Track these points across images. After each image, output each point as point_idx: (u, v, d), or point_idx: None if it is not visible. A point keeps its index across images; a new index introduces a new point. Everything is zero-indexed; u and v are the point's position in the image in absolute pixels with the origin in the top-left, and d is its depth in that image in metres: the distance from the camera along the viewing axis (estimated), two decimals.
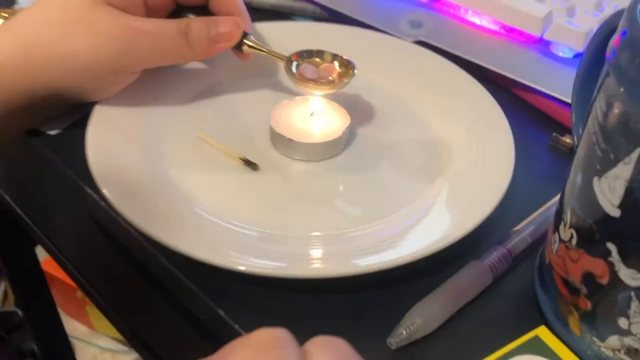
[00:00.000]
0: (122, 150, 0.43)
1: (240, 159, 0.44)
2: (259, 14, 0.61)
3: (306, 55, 0.47)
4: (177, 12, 0.48)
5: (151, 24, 0.44)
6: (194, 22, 0.45)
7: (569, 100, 0.50)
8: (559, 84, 0.52)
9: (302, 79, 0.46)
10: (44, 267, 0.85)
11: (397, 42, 0.55)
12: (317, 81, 0.45)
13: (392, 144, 0.47)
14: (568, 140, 0.50)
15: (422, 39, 0.56)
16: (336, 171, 0.45)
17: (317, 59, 0.47)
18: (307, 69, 0.46)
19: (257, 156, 0.45)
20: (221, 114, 0.49)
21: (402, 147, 0.47)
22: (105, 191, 0.39)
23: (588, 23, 0.54)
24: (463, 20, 0.58)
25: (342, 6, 0.60)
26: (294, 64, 0.47)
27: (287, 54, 0.47)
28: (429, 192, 0.43)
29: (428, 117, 0.49)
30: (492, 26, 0.57)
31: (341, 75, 0.46)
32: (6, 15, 0.52)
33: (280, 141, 0.45)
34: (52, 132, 0.46)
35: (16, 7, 0.56)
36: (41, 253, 0.82)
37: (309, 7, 0.61)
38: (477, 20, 0.58)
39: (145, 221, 0.38)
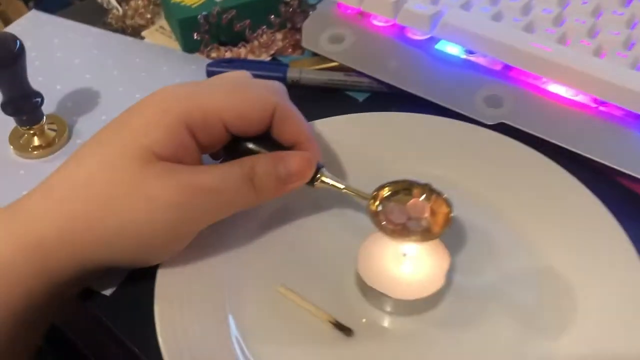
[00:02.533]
0: (191, 323, 0.38)
1: (331, 322, 0.39)
2: (308, 90, 0.55)
3: (390, 190, 0.41)
4: (235, 145, 0.41)
5: (212, 176, 0.38)
6: (259, 163, 0.39)
7: None
8: None
9: (390, 226, 0.40)
10: None
11: (481, 133, 0.49)
12: (407, 229, 0.39)
13: (501, 281, 0.42)
14: None
15: (503, 120, 0.50)
16: (441, 327, 0.39)
17: (403, 195, 0.41)
18: (395, 211, 0.40)
19: (345, 309, 0.40)
20: (299, 255, 0.43)
21: (514, 287, 0.41)
22: None
23: None
24: (546, 93, 0.52)
25: (402, 81, 0.53)
26: (377, 205, 0.41)
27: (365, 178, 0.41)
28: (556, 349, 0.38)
29: (540, 241, 0.43)
30: (580, 98, 0.51)
31: (434, 212, 0.40)
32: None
33: (371, 293, 0.40)
34: (107, 292, 0.42)
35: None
36: None
37: (364, 81, 0.55)
38: (562, 92, 0.52)
39: None
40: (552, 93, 0.51)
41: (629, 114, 0.49)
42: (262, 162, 0.39)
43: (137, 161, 0.37)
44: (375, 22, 0.57)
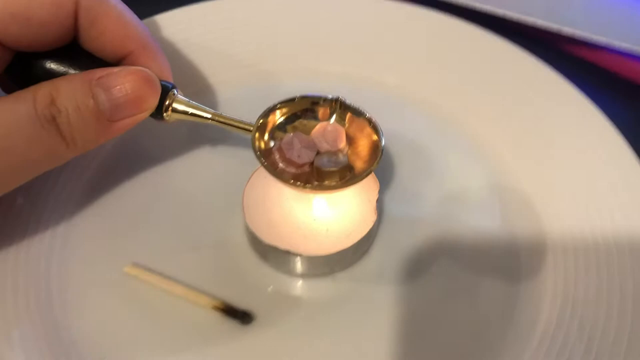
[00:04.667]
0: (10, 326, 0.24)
1: (216, 308, 0.26)
2: None
3: (284, 114, 0.26)
4: (26, 67, 0.25)
5: None
6: (63, 92, 0.23)
7: None
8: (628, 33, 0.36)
9: (290, 169, 0.25)
10: None
11: (415, 12, 0.35)
12: (318, 169, 0.25)
13: (445, 200, 0.29)
14: None
15: None
16: (375, 284, 0.27)
17: (305, 119, 0.27)
18: (294, 144, 0.25)
19: (237, 286, 0.26)
20: (159, 217, 0.28)
21: (469, 211, 0.29)
22: None
23: None
24: None
25: None
26: (267, 138, 0.26)
27: (248, 113, 0.26)
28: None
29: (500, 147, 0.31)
30: None
31: (352, 140, 0.26)
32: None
33: (273, 255, 0.26)
34: None
35: None
36: None
37: None
38: None
39: None
40: None
41: None
42: (66, 90, 0.23)
43: None
44: None
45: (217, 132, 0.28)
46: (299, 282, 0.27)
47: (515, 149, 0.31)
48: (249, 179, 0.28)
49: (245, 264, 0.27)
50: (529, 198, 0.29)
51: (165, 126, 0.27)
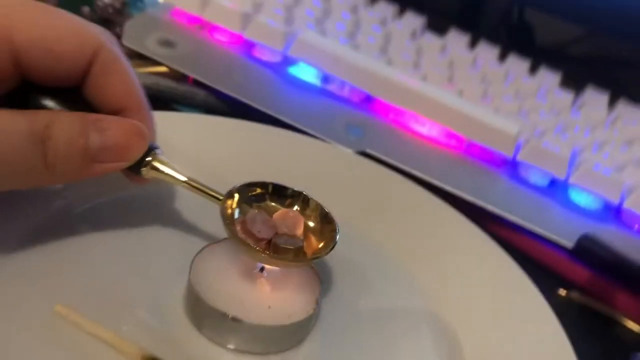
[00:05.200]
0: None
1: (145, 358, 0.25)
2: None
3: (252, 193, 0.29)
4: (25, 96, 0.27)
5: None
6: (60, 123, 0.25)
7: (560, 242, 0.40)
8: (539, 217, 0.42)
9: (251, 240, 0.27)
10: None
11: (347, 156, 0.40)
12: (276, 245, 0.27)
13: (377, 315, 0.31)
14: (580, 297, 0.38)
15: (366, 150, 0.43)
16: None
17: (271, 202, 0.29)
18: (257, 221, 0.28)
19: (171, 344, 0.25)
20: (95, 268, 0.28)
21: (396, 321, 0.31)
22: None
23: (566, 146, 0.46)
24: (408, 129, 0.46)
25: (248, 96, 0.43)
26: (234, 208, 0.28)
27: (214, 185, 0.28)
28: None
29: (421, 275, 0.34)
30: (444, 139, 0.46)
31: (310, 232, 0.29)
32: None
33: (212, 320, 0.26)
34: None
35: None
36: None
37: (199, 93, 0.43)
38: (424, 130, 0.46)
39: None
40: (416, 130, 0.46)
41: (496, 155, 0.45)
42: (64, 122, 0.25)
43: None
44: (219, 37, 0.48)
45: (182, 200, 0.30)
46: (231, 356, 0.26)
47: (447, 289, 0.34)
48: (202, 249, 0.29)
49: (179, 329, 0.27)
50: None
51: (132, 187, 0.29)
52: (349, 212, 0.36)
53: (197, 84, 0.44)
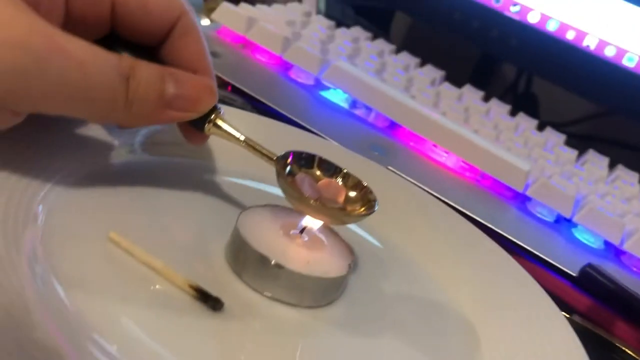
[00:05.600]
0: None
1: (192, 287, 0.27)
2: None
3: (302, 161, 0.31)
4: (108, 45, 0.29)
5: (79, 44, 0.25)
6: (143, 68, 0.27)
7: (565, 270, 0.42)
8: (545, 247, 0.44)
9: (304, 194, 0.29)
10: None
11: (374, 167, 0.42)
12: (324, 204, 0.29)
13: (400, 297, 0.33)
14: (581, 321, 0.40)
15: (390, 167, 0.46)
16: (331, 325, 0.28)
17: (318, 172, 0.32)
18: (305, 183, 0.30)
19: (212, 285, 0.27)
20: (149, 207, 0.30)
21: (417, 305, 0.33)
22: None
23: (572, 188, 0.49)
24: (427, 156, 0.49)
25: (284, 107, 0.46)
26: (288, 168, 0.31)
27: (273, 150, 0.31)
28: None
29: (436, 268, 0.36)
30: (459, 169, 0.49)
31: (350, 202, 0.31)
32: None
33: (254, 266, 0.28)
34: None
35: None
36: None
37: (237, 100, 0.47)
38: (442, 159, 0.49)
39: None
40: (435, 159, 0.49)
41: (507, 188, 0.48)
42: (146, 68, 0.27)
43: None
44: (260, 57, 0.52)
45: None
46: (268, 302, 0.28)
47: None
48: (247, 209, 0.31)
49: (220, 274, 0.28)
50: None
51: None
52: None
53: (235, 92, 0.47)
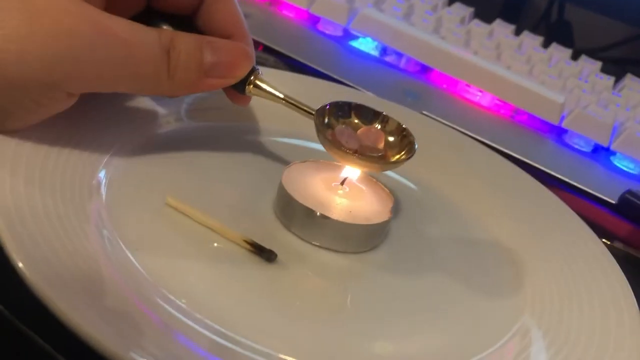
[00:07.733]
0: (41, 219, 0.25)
1: (247, 242, 0.29)
2: None
3: (339, 111, 0.33)
4: (146, 20, 0.31)
5: (122, 24, 0.27)
6: (182, 39, 0.29)
7: (604, 199, 0.43)
8: (583, 177, 0.45)
9: (342, 146, 0.31)
10: None
11: (408, 113, 0.43)
12: (363, 154, 0.31)
13: (441, 240, 0.34)
14: (622, 247, 0.41)
15: (424, 112, 0.46)
16: (378, 269, 0.30)
17: (356, 120, 0.33)
18: (345, 134, 0.31)
19: (265, 239, 0.29)
20: (199, 171, 0.32)
21: (459, 247, 0.34)
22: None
23: (608, 116, 0.49)
24: (461, 96, 0.50)
25: (315, 62, 0.47)
26: (325, 122, 0.32)
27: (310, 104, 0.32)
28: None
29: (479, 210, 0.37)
30: (493, 107, 0.49)
31: (389, 147, 0.32)
32: None
33: (301, 218, 0.30)
34: None
35: None
36: None
37: (269, 59, 0.48)
38: (476, 98, 0.50)
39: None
40: (468, 98, 0.49)
41: (542, 122, 0.48)
42: (185, 39, 0.29)
43: None
44: (287, 13, 0.52)
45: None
46: (316, 250, 0.30)
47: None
48: (289, 165, 0.32)
49: (271, 228, 0.30)
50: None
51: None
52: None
53: (267, 51, 0.48)
